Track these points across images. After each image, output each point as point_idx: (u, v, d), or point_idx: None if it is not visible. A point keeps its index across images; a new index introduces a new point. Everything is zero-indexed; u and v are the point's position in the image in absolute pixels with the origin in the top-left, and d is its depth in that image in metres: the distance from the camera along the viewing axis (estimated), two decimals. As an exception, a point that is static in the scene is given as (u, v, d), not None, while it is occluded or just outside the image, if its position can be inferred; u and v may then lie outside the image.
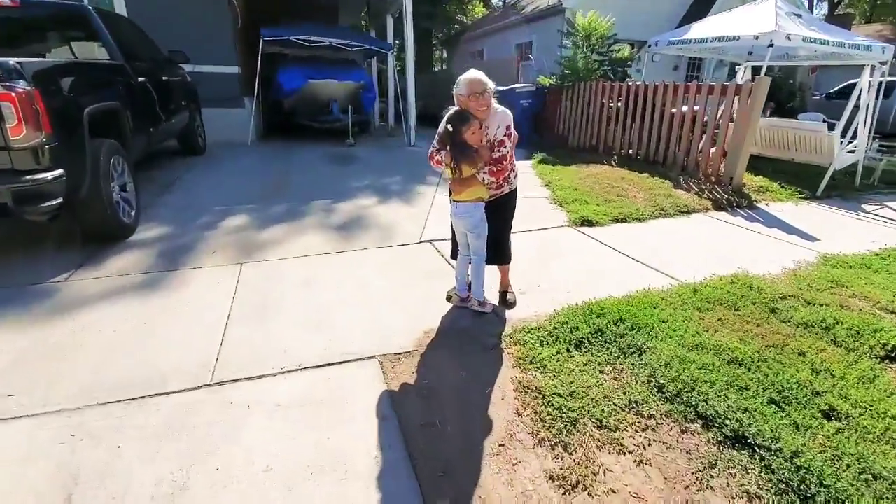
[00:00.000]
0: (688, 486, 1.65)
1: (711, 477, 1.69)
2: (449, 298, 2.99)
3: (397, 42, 12.67)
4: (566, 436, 1.85)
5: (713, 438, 1.84)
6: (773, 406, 1.96)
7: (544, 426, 1.91)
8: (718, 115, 5.73)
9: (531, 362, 2.31)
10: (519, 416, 1.99)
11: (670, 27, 11.72)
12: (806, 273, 3.35)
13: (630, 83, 7.29)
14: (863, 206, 5.56)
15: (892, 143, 7.10)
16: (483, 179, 2.58)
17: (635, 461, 1.76)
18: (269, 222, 4.37)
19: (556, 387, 2.11)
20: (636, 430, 1.90)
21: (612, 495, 1.62)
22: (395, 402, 2.06)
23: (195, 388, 2.08)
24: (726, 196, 5.38)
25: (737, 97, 5.52)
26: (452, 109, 2.56)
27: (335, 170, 6.61)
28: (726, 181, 5.70)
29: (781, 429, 1.83)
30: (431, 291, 3.12)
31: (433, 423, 1.94)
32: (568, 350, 2.40)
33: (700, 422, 1.92)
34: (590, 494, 1.62)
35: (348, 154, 7.79)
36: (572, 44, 9.39)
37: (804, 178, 6.25)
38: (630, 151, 7.29)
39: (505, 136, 2.55)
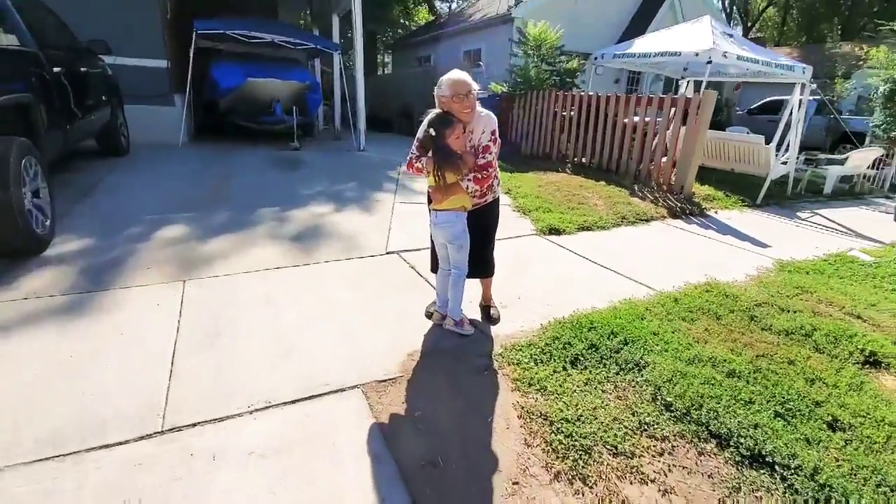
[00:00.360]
0: (717, 515, 1.57)
1: (737, 502, 1.62)
2: (429, 315, 2.79)
3: (342, 42, 12.28)
4: (583, 467, 1.71)
5: (731, 459, 1.79)
6: (781, 420, 1.95)
7: (558, 457, 1.76)
8: (669, 126, 5.99)
9: (530, 384, 2.16)
10: (528, 447, 1.83)
11: (612, 41, 12.30)
12: (770, 279, 3.50)
13: (582, 93, 7.49)
14: (797, 213, 6.03)
15: (815, 156, 7.81)
16: (467, 187, 2.42)
17: (660, 490, 1.65)
18: (211, 233, 3.93)
19: (561, 411, 1.97)
20: (654, 456, 1.80)
21: (645, 533, 1.49)
22: (388, 439, 1.82)
23: (143, 438, 1.72)
24: (679, 204, 5.61)
25: (685, 110, 5.80)
26: (433, 112, 2.39)
27: (281, 175, 6.17)
28: (677, 190, 5.96)
29: (794, 444, 1.81)
30: (407, 307, 2.90)
31: (435, 461, 1.73)
32: (564, 368, 2.29)
33: (714, 441, 1.86)
34: (621, 534, 1.48)
35: (294, 158, 7.33)
36: (523, 53, 9.54)
37: (743, 188, 6.69)
38: (584, 160, 7.47)
39: (490, 140, 2.41)
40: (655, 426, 1.92)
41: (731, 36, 8.57)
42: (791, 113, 6.04)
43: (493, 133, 2.41)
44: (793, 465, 1.71)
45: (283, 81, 8.11)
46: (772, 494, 1.64)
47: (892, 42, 10.33)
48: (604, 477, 1.68)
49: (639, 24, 12.61)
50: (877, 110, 8.05)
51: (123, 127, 6.19)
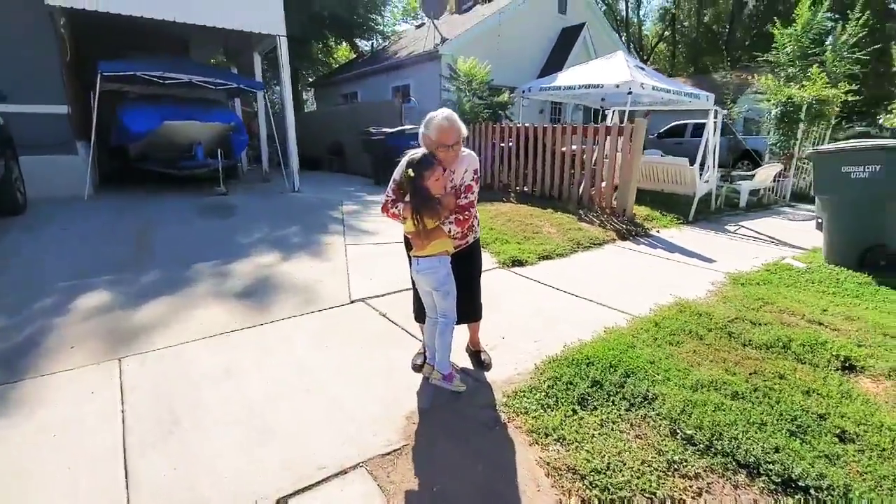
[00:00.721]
0: (774, 555, 1.52)
1: (787, 536, 1.59)
2: (417, 368, 2.60)
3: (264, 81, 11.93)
4: (629, 523, 1.60)
5: (766, 488, 1.76)
6: (797, 439, 1.98)
7: (600, 516, 1.64)
8: (606, 152, 6.35)
9: (546, 435, 2.04)
10: (566, 509, 1.69)
11: (533, 75, 13.10)
12: (730, 294, 3.71)
13: (519, 125, 7.79)
14: (725, 227, 6.58)
15: (729, 173, 8.67)
16: (449, 230, 2.31)
17: (712, 537, 1.58)
18: (141, 297, 3.46)
19: (588, 461, 1.86)
20: (692, 497, 1.73)
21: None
22: (411, 527, 1.60)
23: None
24: (625, 226, 5.90)
25: (619, 137, 6.20)
26: (413, 152, 2.29)
27: (212, 223, 5.68)
28: (620, 212, 6.29)
29: (818, 463, 1.83)
30: (390, 362, 2.69)
31: (470, 545, 1.54)
32: (574, 411, 2.19)
33: (744, 472, 1.84)
34: None
35: (222, 204, 6.83)
36: (456, 88, 9.83)
37: (673, 206, 7.22)
38: (525, 188, 7.70)
39: (472, 180, 2.35)
40: (684, 464, 1.87)
41: (642, 69, 9.45)
42: (709, 136, 6.66)
43: (475, 172, 2.35)
44: (824, 486, 1.72)
45: (203, 123, 7.62)
46: (815, 521, 1.63)
47: (766, 70, 11.93)
48: (653, 531, 1.58)
49: (556, 59, 13.56)
50: (772, 130, 9.18)
51: (19, 181, 5.43)
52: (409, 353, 2.77)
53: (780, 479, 1.78)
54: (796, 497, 1.72)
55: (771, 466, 1.82)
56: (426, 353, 2.61)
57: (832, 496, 1.69)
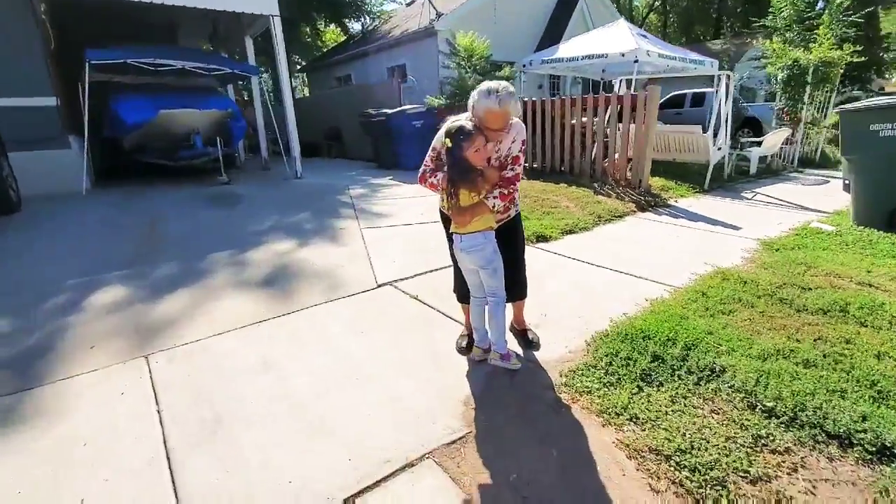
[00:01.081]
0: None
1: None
2: (462, 350, 2.46)
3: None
4: (729, 505, 1.48)
5: (861, 458, 1.65)
6: (881, 405, 1.86)
7: (696, 499, 1.52)
8: (621, 125, 6.15)
9: (617, 414, 1.90)
10: (657, 493, 1.56)
11: (531, 49, 12.74)
12: (768, 260, 3.57)
13: (525, 98, 7.55)
14: (741, 194, 6.44)
15: (738, 140, 8.50)
16: (493, 206, 2.12)
17: (820, 516, 1.46)
18: (160, 291, 3.29)
19: (668, 441, 1.73)
20: (787, 472, 1.61)
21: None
22: (495, 521, 1.47)
23: None
24: (643, 198, 5.74)
25: (633, 106, 5.98)
26: (457, 118, 2.11)
27: (220, 213, 5.47)
28: (636, 184, 6.12)
29: (913, 429, 1.71)
30: (432, 345, 2.54)
31: (562, 537, 1.41)
32: (640, 388, 2.06)
33: (835, 443, 1.72)
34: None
35: (228, 193, 6.60)
36: (456, 64, 9.52)
37: (686, 175, 7.05)
38: (535, 165, 7.50)
39: (520, 151, 2.17)
40: (771, 438, 1.74)
41: (645, 37, 9.18)
42: (720, 103, 6.47)
43: (523, 143, 2.17)
44: (926, 454, 1.60)
45: (202, 111, 7.33)
46: (924, 492, 1.51)
47: (763, 36, 11.63)
48: (755, 512, 1.46)
49: (553, 31, 13.19)
50: (779, 95, 8.97)
51: (11, 178, 5.18)
52: (450, 335, 2.62)
53: (874, 448, 1.66)
54: (893, 465, 1.61)
55: (862, 436, 1.71)
56: (471, 335, 2.47)
57: (937, 464, 1.57)
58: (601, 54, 8.46)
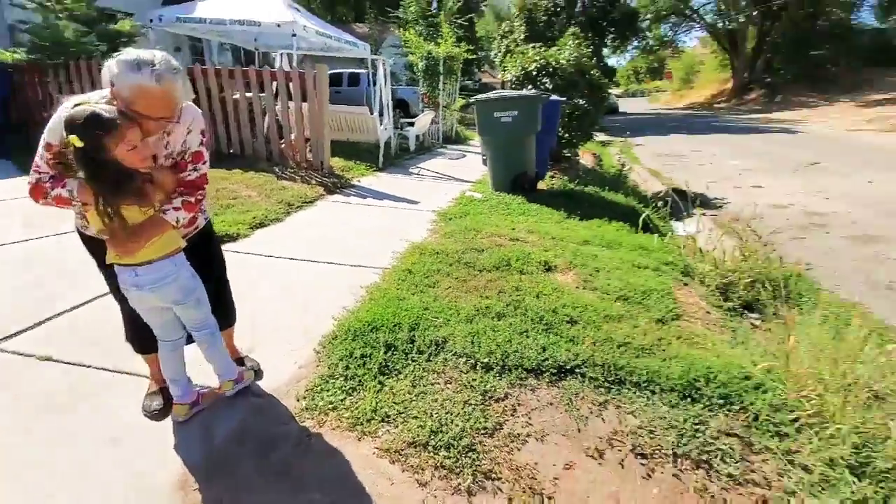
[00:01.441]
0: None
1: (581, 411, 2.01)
2: (156, 414, 1.93)
3: None
4: (480, 467, 1.69)
5: (549, 381, 2.16)
6: (549, 334, 2.47)
7: (455, 475, 1.66)
8: (291, 103, 6.02)
9: (368, 420, 1.89)
10: (424, 485, 1.62)
11: (156, 1, 10.90)
12: (446, 229, 4.25)
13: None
14: (410, 170, 7.46)
15: (399, 120, 9.75)
16: (176, 219, 1.64)
17: (540, 438, 1.84)
18: None
19: (422, 427, 1.84)
20: (511, 414, 1.96)
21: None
22: None
23: None
24: (328, 180, 5.88)
25: (301, 83, 5.94)
26: (81, 103, 1.45)
27: None
28: (318, 165, 6.20)
29: (568, 347, 2.35)
30: (103, 422, 1.90)
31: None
32: (381, 384, 2.11)
33: (532, 375, 2.19)
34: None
35: None
36: (38, 4, 7.19)
37: (360, 154, 7.64)
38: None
39: (201, 144, 1.76)
40: (494, 390, 2.08)
41: (298, 10, 9.21)
42: (381, 87, 7.21)
43: (202, 133, 1.76)
44: (579, 363, 2.24)
45: None
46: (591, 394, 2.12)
47: (396, 26, 13.68)
48: (497, 461, 1.73)
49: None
50: (421, 81, 10.73)
51: None
52: (130, 399, 2.01)
53: (555, 371, 2.22)
54: (569, 380, 2.20)
55: (546, 363, 2.25)
56: (165, 390, 1.96)
57: (598, 375, 2.21)
58: (255, 21, 7.99)
